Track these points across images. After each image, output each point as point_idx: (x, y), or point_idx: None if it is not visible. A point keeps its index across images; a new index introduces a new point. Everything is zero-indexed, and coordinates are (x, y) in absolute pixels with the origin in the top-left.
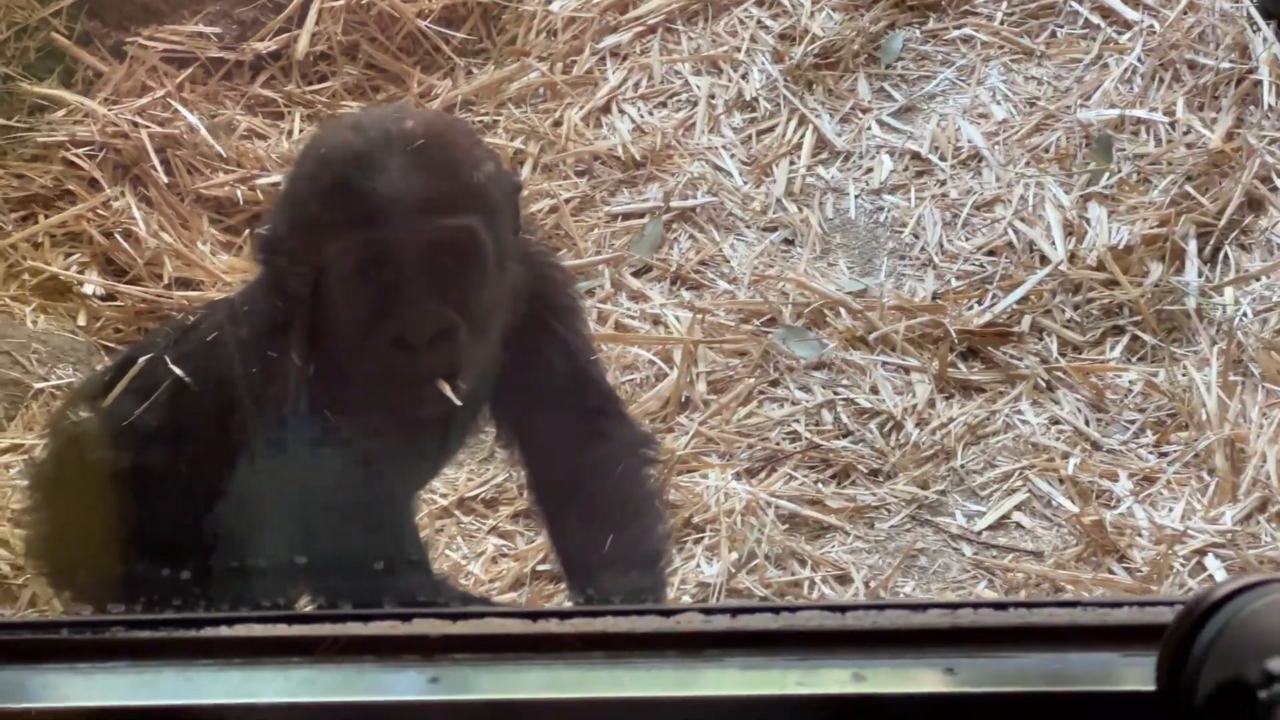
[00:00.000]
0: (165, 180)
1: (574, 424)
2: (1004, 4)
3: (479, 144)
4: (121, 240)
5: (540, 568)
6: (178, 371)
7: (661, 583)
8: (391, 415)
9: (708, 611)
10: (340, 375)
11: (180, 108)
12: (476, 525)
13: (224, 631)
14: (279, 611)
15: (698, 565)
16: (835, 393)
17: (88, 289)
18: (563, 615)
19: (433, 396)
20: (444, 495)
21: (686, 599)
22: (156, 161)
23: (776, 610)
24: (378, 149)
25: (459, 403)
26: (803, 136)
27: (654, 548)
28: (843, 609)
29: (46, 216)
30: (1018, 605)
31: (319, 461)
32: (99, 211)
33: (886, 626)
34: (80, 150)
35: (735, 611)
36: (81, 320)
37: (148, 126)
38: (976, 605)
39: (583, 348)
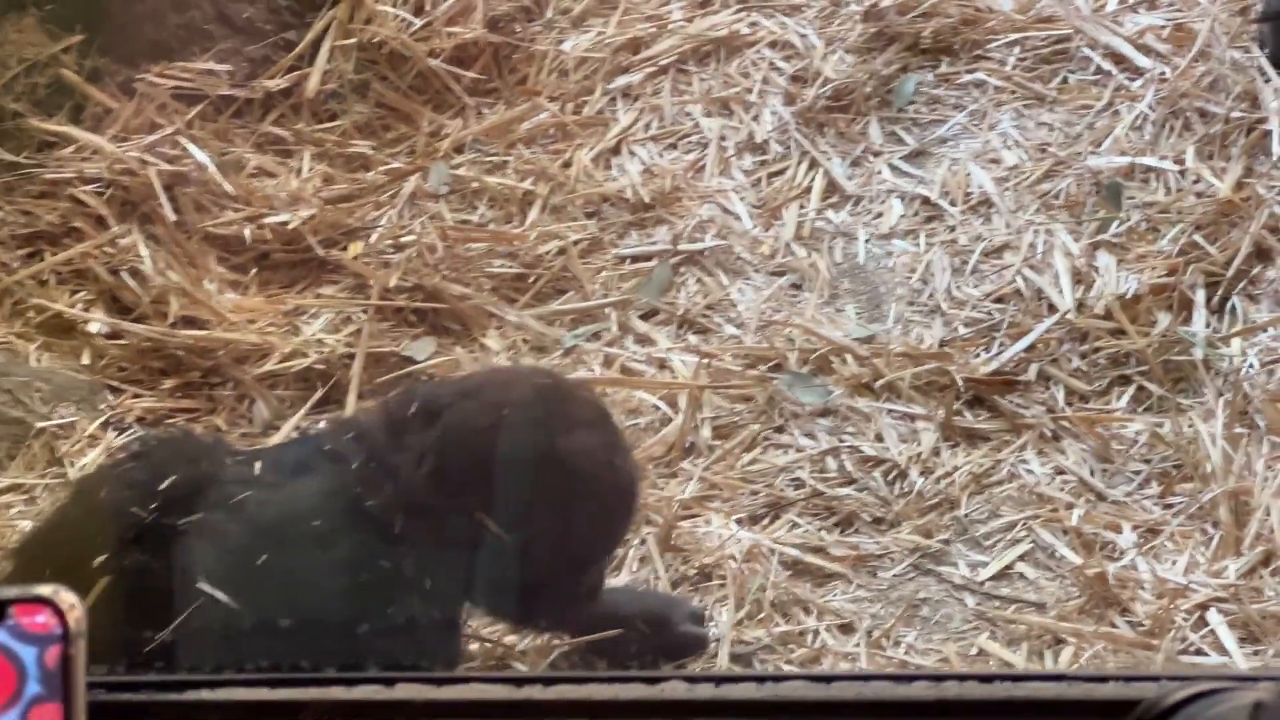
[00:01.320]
0: (173, 218)
1: None
2: (1017, 49)
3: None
4: (128, 278)
5: None
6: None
7: None
8: None
9: (691, 680)
10: None
11: (189, 145)
12: None
13: (205, 695)
14: (262, 675)
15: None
16: (840, 440)
17: (93, 327)
18: (547, 681)
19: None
20: None
21: None
22: (164, 199)
23: (761, 680)
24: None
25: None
26: (813, 180)
27: None
28: (828, 679)
29: (53, 253)
30: (1004, 678)
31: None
32: (105, 249)
33: (871, 698)
34: (88, 187)
35: (719, 680)
36: (86, 359)
37: (156, 164)
38: (962, 678)
39: None
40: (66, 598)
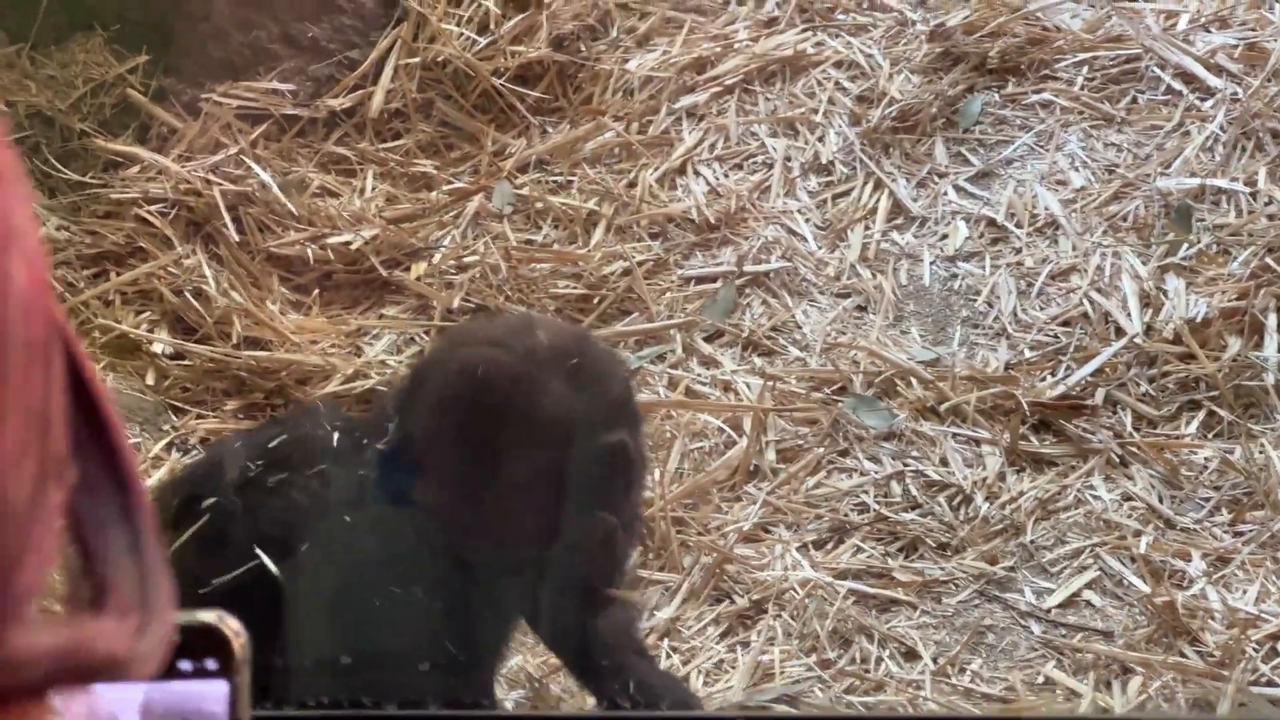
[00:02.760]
0: (236, 238)
1: None
2: (1085, 68)
3: (612, 355)
4: (192, 298)
5: None
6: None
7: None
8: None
9: None
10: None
11: (253, 165)
12: None
13: None
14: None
15: (766, 640)
16: (904, 464)
17: (157, 347)
18: None
19: (599, 598)
20: None
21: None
22: (228, 219)
23: None
24: (534, 367)
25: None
26: (878, 201)
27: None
28: None
29: (118, 273)
30: None
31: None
32: (170, 269)
33: None
34: (153, 207)
35: None
36: (150, 379)
37: (220, 184)
38: None
39: None
40: (231, 624)
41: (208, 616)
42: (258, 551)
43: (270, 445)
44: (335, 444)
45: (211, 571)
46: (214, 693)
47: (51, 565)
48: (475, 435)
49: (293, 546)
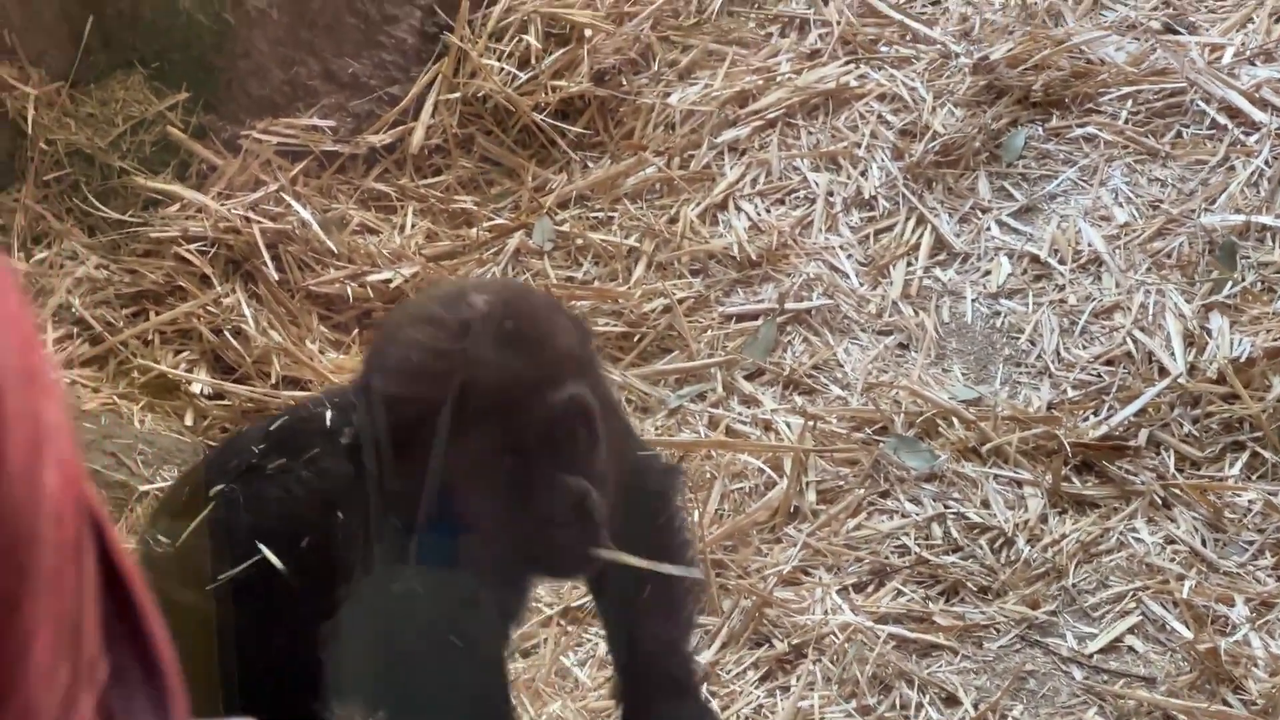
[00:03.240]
0: (275, 276)
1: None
2: (1129, 102)
3: (555, 305)
4: (231, 338)
5: None
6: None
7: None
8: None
9: None
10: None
11: (293, 202)
12: (582, 634)
13: None
14: None
15: (805, 685)
16: (946, 506)
17: (195, 387)
18: None
19: (583, 561)
20: (549, 605)
21: None
22: (267, 257)
23: None
24: (467, 340)
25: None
26: (921, 236)
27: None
28: None
29: (157, 312)
30: None
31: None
32: (209, 308)
33: None
34: (192, 245)
35: None
36: (189, 420)
37: (260, 221)
38: None
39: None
40: None
41: None
42: (258, 545)
43: (272, 429)
44: (329, 428)
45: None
46: None
47: None
48: (420, 425)
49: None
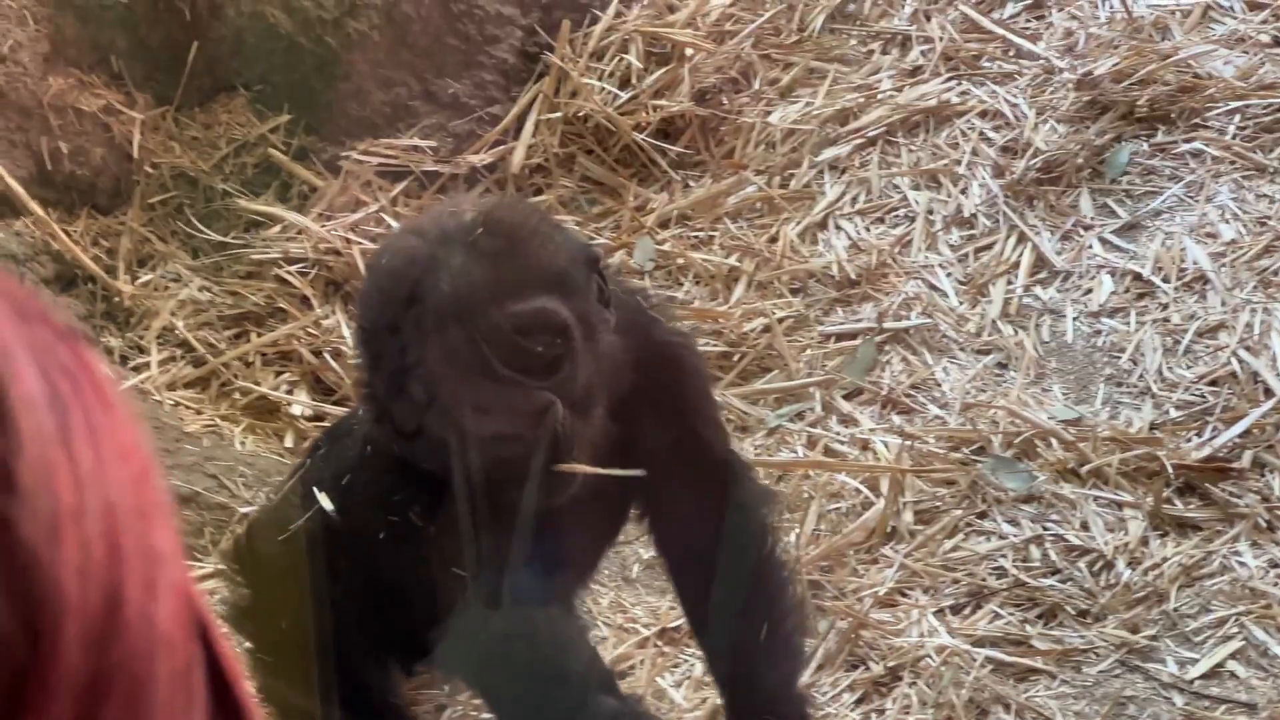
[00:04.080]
0: None
1: (705, 507)
2: (1237, 117)
3: (545, 220)
4: (330, 359)
5: None
6: (326, 505)
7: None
8: (523, 514)
9: None
10: (457, 492)
11: (393, 223)
12: (679, 655)
13: None
14: None
15: (901, 708)
16: (1044, 528)
17: (295, 409)
18: None
19: (555, 482)
20: (647, 625)
21: None
22: None
23: None
24: (440, 247)
25: (574, 485)
26: (1021, 255)
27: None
28: None
29: (258, 334)
30: None
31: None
32: (309, 330)
33: None
34: (293, 267)
35: None
36: (289, 441)
37: (360, 242)
38: None
39: (711, 431)
40: None
41: None
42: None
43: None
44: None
45: None
46: None
47: None
48: (382, 325)
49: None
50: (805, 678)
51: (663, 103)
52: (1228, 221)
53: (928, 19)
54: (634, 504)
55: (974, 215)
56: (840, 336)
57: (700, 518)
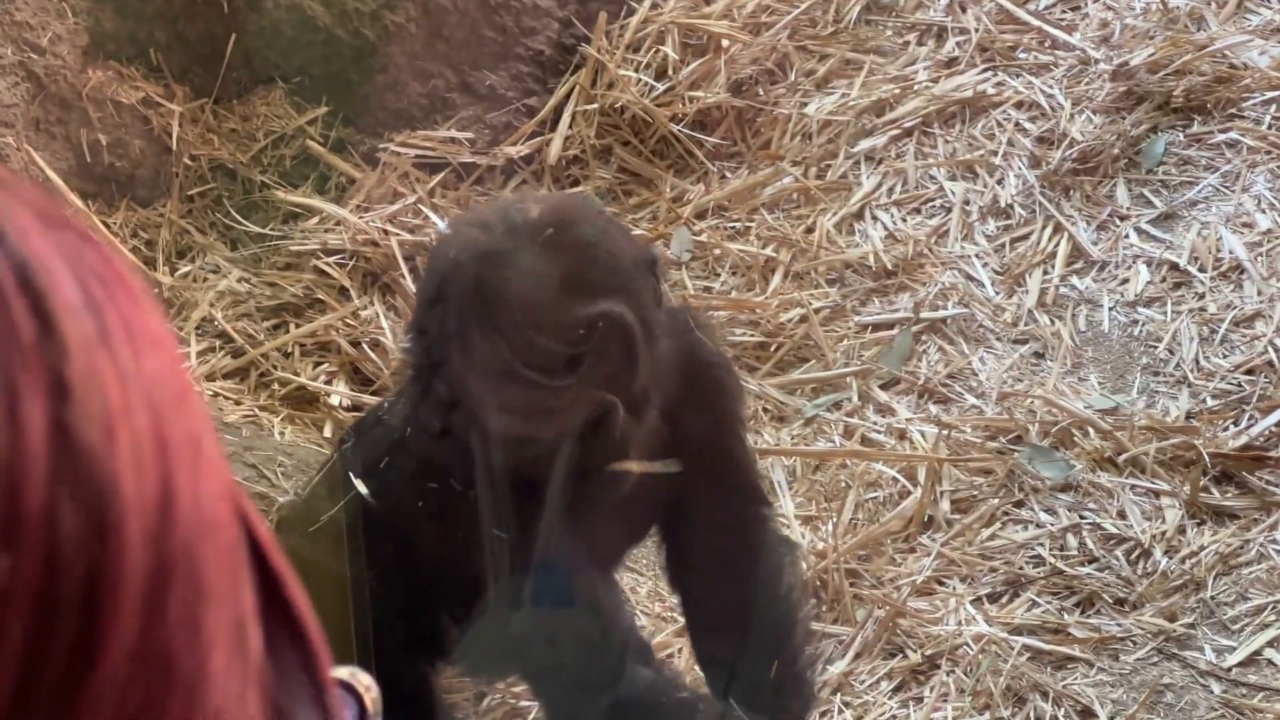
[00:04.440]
0: (413, 289)
1: (725, 530)
2: (1273, 107)
3: (610, 222)
4: (369, 350)
5: None
6: (361, 490)
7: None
8: (570, 509)
9: None
10: (506, 478)
11: (431, 214)
12: None
13: None
14: None
15: (939, 696)
16: (1081, 516)
17: (334, 399)
18: None
19: (607, 482)
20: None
21: None
22: (405, 269)
23: None
24: (508, 242)
25: (627, 483)
26: (1057, 245)
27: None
28: None
29: (297, 325)
30: None
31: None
32: (347, 321)
33: None
34: (331, 258)
35: None
36: (328, 431)
37: (397, 234)
38: None
39: (741, 453)
40: (363, 679)
41: (341, 673)
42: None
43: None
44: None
45: None
46: None
47: None
48: (444, 317)
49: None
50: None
51: (699, 94)
52: (1264, 211)
53: (963, 10)
54: (661, 513)
55: (1010, 205)
56: (877, 326)
57: (719, 543)
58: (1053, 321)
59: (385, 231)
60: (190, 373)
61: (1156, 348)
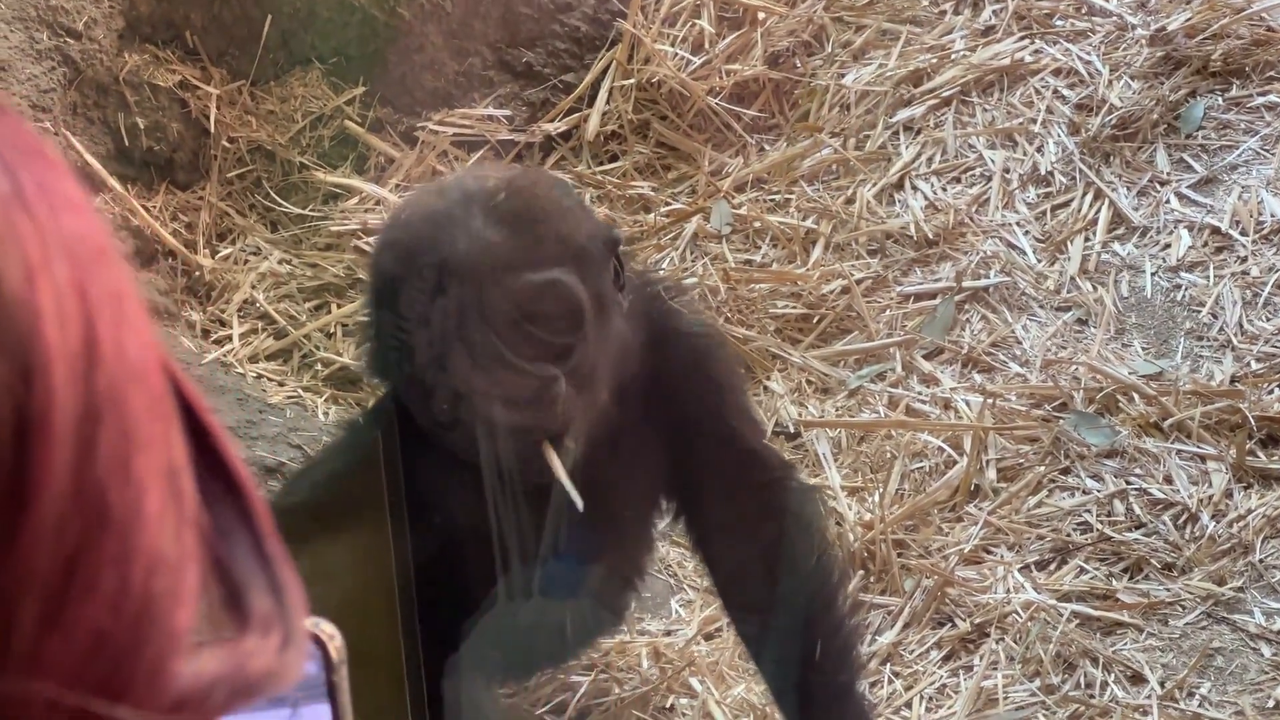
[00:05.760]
0: None
1: (740, 501)
2: None
3: (568, 196)
4: None
5: None
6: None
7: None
8: (499, 484)
9: None
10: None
11: None
12: None
13: None
14: None
15: (988, 664)
16: (1128, 482)
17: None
18: None
19: (538, 461)
20: None
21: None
22: None
23: None
24: (457, 209)
25: (563, 465)
26: (1098, 211)
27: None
28: None
29: (338, 306)
30: None
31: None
32: None
33: None
34: (371, 238)
35: None
36: None
37: None
38: None
39: (741, 422)
40: (326, 629)
41: (305, 623)
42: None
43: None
44: None
45: None
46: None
47: (200, 598)
48: (394, 280)
49: None
50: (861, 685)
51: (736, 67)
52: None
53: None
54: (665, 498)
55: (1050, 173)
56: (919, 296)
57: (737, 515)
58: (1095, 288)
59: None
60: (113, 237)
61: (1199, 312)
